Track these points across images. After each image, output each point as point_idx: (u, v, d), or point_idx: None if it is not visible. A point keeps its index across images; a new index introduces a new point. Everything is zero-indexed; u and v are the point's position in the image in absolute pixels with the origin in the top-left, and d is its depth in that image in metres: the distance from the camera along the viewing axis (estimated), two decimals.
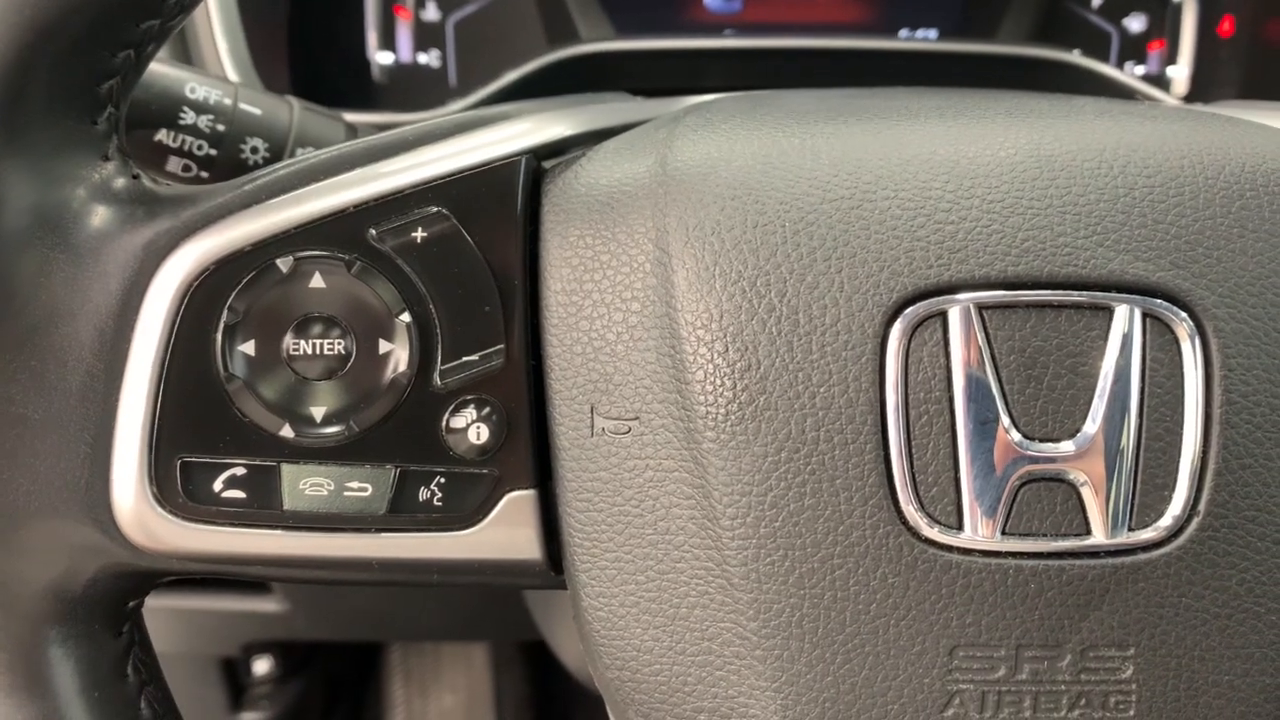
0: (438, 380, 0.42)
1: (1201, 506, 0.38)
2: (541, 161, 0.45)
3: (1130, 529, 0.38)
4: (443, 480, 0.42)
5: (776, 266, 0.39)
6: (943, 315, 0.38)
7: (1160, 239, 0.39)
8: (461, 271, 0.42)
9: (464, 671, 1.36)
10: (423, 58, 0.98)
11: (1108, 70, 0.82)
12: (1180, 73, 0.98)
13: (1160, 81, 0.98)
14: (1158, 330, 0.38)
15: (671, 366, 0.40)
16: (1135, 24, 0.98)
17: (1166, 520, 0.38)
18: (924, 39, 0.99)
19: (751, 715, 0.40)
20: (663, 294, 0.40)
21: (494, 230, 0.42)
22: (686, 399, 0.40)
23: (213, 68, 0.76)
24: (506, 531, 0.43)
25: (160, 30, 0.42)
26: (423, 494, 0.42)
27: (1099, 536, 0.38)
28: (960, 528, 0.38)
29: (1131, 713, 0.39)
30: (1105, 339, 0.38)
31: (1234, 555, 0.39)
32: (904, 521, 0.38)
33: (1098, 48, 0.98)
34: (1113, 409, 0.38)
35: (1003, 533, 0.38)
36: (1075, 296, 0.38)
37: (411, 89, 0.96)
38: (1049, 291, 0.38)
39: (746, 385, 0.39)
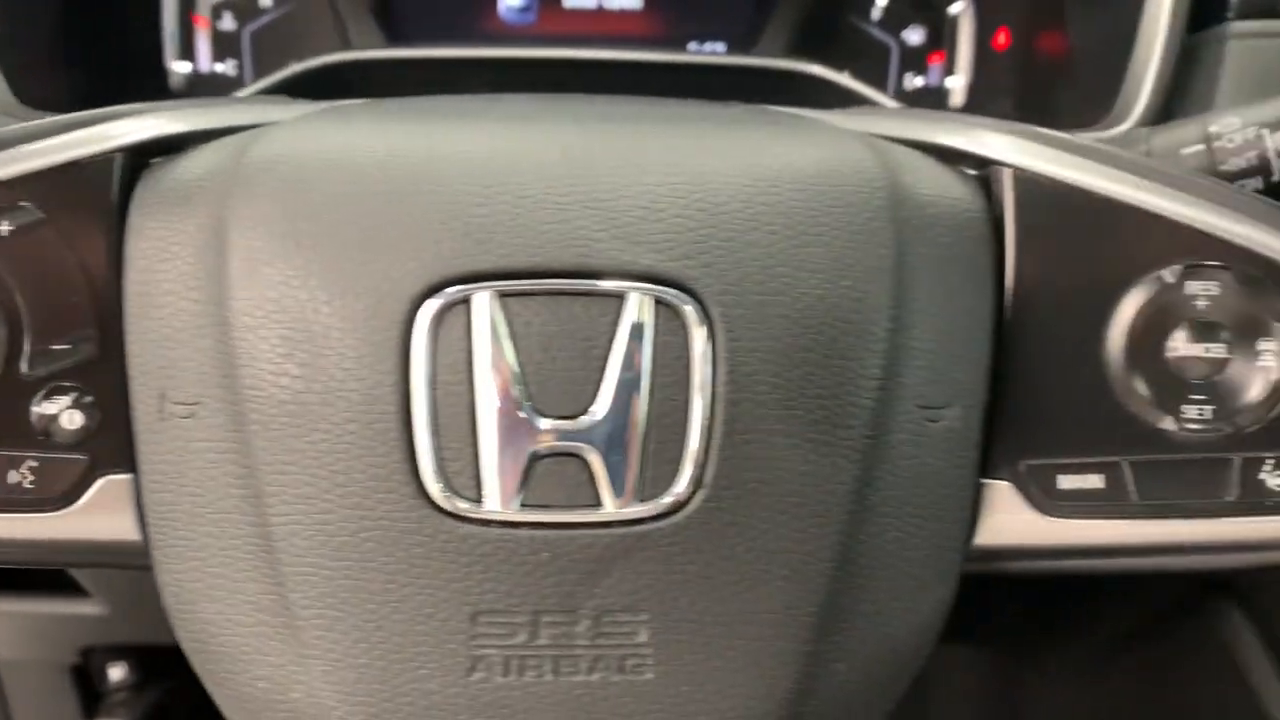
0: (25, 367, 0.44)
1: (708, 479, 0.41)
2: (152, 159, 0.47)
3: (641, 500, 0.41)
4: (34, 464, 0.44)
5: (318, 257, 0.41)
6: (468, 302, 0.41)
7: (674, 233, 0.41)
8: (49, 263, 0.44)
9: None
10: (220, 67, 1.00)
11: (852, 84, 0.86)
12: (957, 83, 1.02)
13: (939, 93, 1.02)
14: (668, 316, 0.41)
15: (226, 353, 0.42)
16: (914, 36, 1.02)
17: (674, 492, 0.41)
18: (711, 52, 1.02)
19: (300, 682, 0.42)
20: (220, 283, 0.42)
21: (85, 224, 0.44)
22: (237, 384, 0.42)
23: None
24: (101, 514, 0.45)
25: None
26: (12, 477, 0.44)
27: (609, 508, 0.41)
28: (480, 500, 0.41)
29: (649, 675, 0.41)
30: (617, 324, 0.41)
31: (739, 524, 0.41)
32: (426, 496, 0.41)
33: (879, 60, 1.02)
34: (623, 389, 0.41)
35: (521, 505, 0.41)
36: (589, 285, 0.41)
37: (209, 97, 0.98)
38: (565, 280, 0.41)
39: (286, 371, 0.41)
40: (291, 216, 0.42)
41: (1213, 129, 0.60)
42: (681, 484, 0.41)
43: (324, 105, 0.52)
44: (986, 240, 0.46)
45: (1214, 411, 0.45)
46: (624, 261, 0.41)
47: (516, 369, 0.41)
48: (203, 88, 1.00)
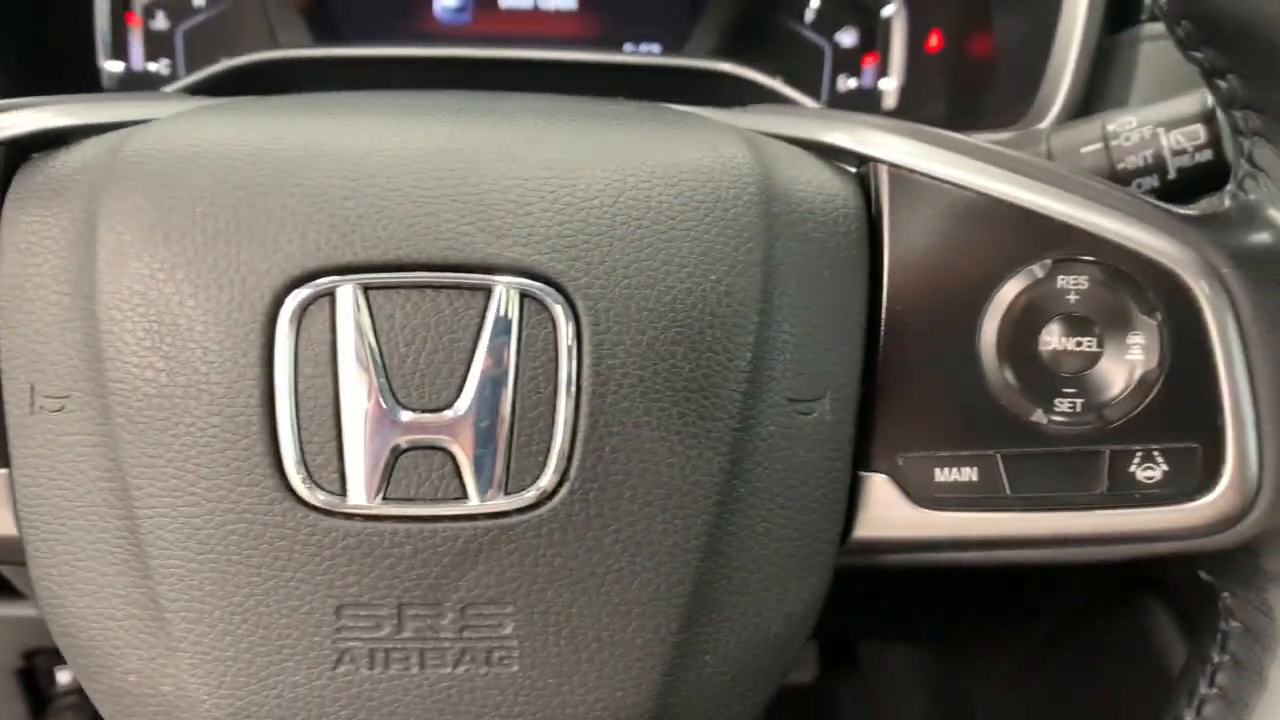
0: None
1: (573, 472, 0.41)
2: (34, 152, 0.47)
3: (506, 493, 0.41)
4: None
5: (184, 250, 0.41)
6: (332, 295, 0.41)
7: (543, 226, 0.42)
8: None
9: None
10: (153, 66, 1.00)
11: (775, 85, 0.87)
12: (890, 85, 1.03)
13: (873, 95, 1.03)
14: (535, 309, 0.41)
15: (94, 347, 0.42)
16: (847, 39, 1.03)
17: (540, 485, 0.41)
18: (647, 53, 1.03)
19: (168, 675, 0.42)
20: (89, 277, 0.42)
21: None
22: (103, 378, 0.42)
23: None
24: None
25: None
26: None
27: (474, 501, 0.41)
28: (344, 494, 0.41)
29: (515, 667, 0.42)
30: (483, 317, 0.41)
31: (605, 517, 0.41)
32: (290, 489, 0.41)
33: (813, 62, 1.02)
34: (488, 382, 0.41)
35: (384, 498, 0.41)
36: (454, 277, 0.41)
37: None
38: (430, 273, 0.41)
39: (151, 364, 0.41)
40: (160, 210, 0.42)
41: (1110, 128, 0.61)
42: (547, 477, 0.41)
43: (215, 100, 0.52)
44: (862, 235, 0.46)
45: (1084, 405, 0.45)
46: (490, 255, 0.41)
47: (380, 362, 0.41)
48: (135, 87, 1.00)
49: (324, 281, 0.41)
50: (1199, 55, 0.45)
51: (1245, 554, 0.46)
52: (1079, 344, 0.46)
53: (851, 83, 1.03)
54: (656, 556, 0.42)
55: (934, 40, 1.03)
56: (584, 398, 0.41)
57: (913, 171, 0.47)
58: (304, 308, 0.41)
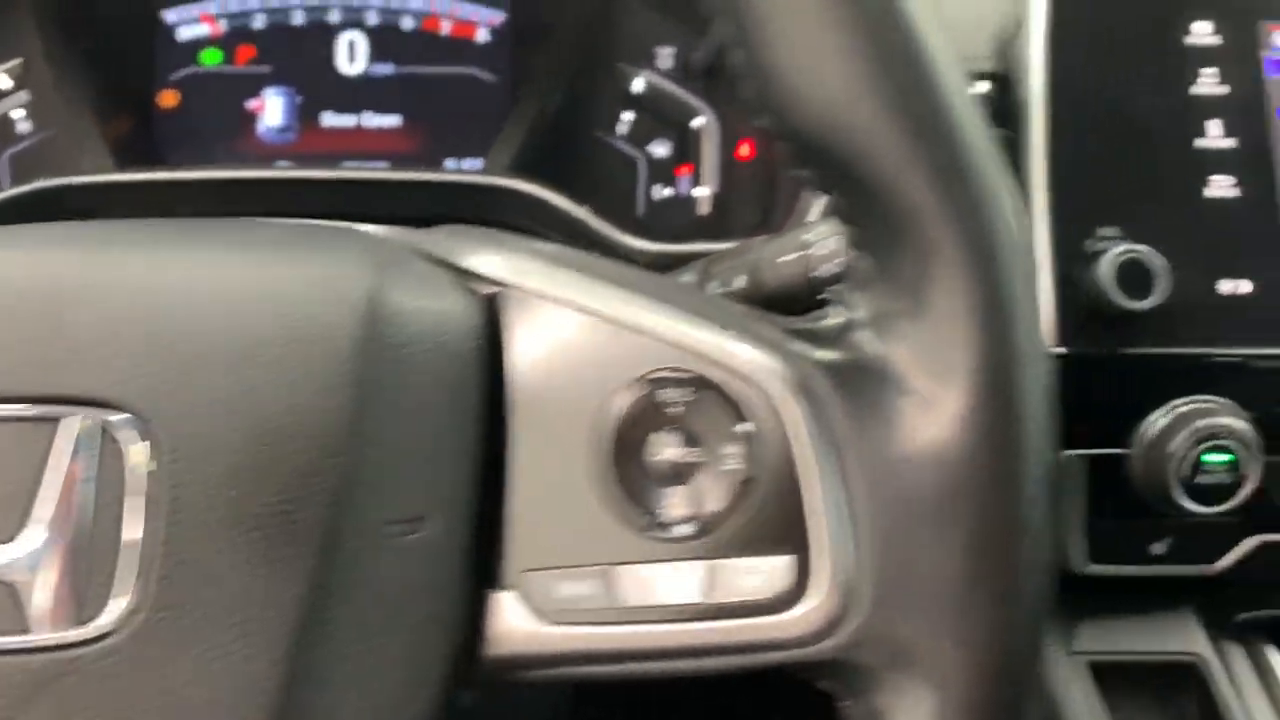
0: None
1: (144, 602, 0.41)
2: None
3: (71, 625, 0.41)
4: None
5: None
6: None
7: (118, 355, 0.43)
8: None
9: None
10: None
11: (558, 200, 0.89)
12: (704, 193, 1.05)
13: (687, 203, 1.05)
14: (110, 439, 0.42)
15: None
16: (661, 150, 1.05)
17: (109, 616, 0.41)
18: (470, 169, 1.05)
19: None
20: None
21: None
22: None
23: None
24: None
25: None
26: None
27: (38, 634, 0.41)
28: None
29: None
30: (50, 448, 0.42)
31: (183, 645, 0.42)
32: None
33: (628, 172, 1.05)
34: (57, 515, 0.41)
35: None
36: (17, 409, 0.42)
37: None
38: None
39: None
40: None
41: (806, 237, 0.62)
42: (116, 607, 0.41)
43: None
44: (476, 356, 0.47)
45: (685, 516, 0.46)
46: (57, 385, 0.42)
47: None
48: None
49: None
50: (803, 174, 0.47)
51: (851, 662, 0.46)
52: (681, 455, 0.46)
53: (667, 191, 1.05)
54: (236, 685, 0.42)
55: (745, 149, 1.06)
56: (157, 525, 0.42)
57: (532, 292, 0.48)
58: None
